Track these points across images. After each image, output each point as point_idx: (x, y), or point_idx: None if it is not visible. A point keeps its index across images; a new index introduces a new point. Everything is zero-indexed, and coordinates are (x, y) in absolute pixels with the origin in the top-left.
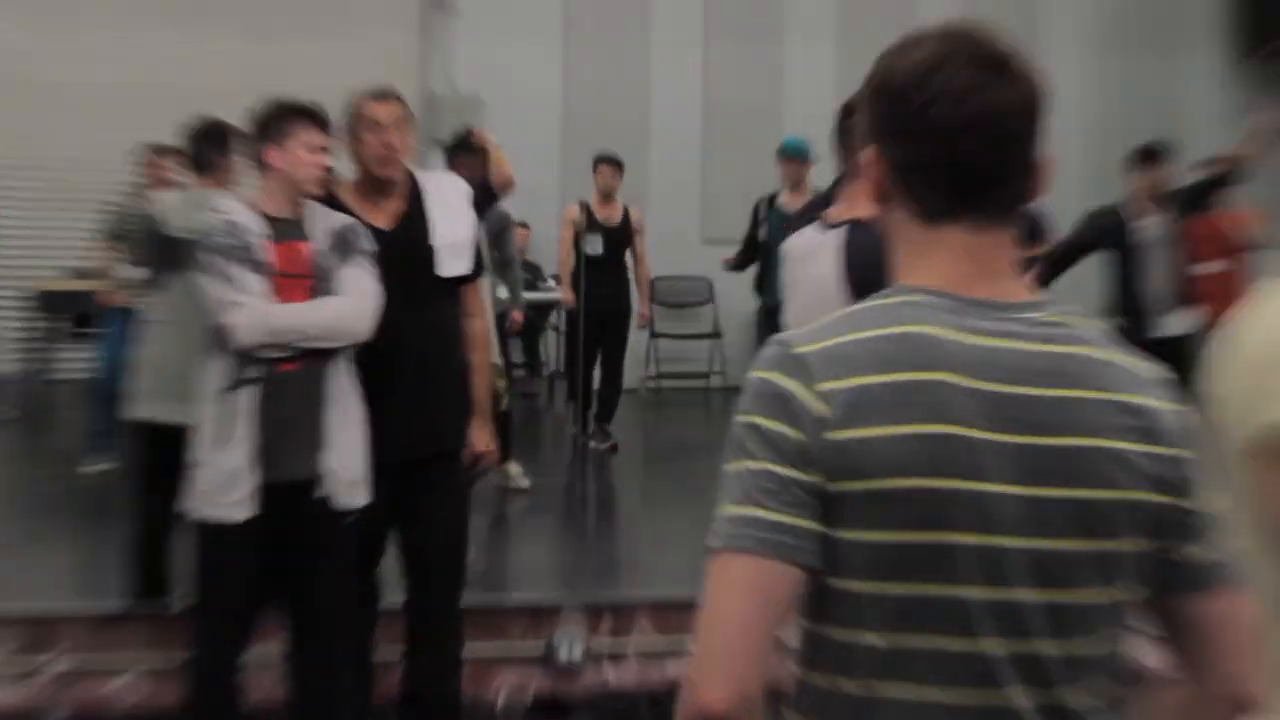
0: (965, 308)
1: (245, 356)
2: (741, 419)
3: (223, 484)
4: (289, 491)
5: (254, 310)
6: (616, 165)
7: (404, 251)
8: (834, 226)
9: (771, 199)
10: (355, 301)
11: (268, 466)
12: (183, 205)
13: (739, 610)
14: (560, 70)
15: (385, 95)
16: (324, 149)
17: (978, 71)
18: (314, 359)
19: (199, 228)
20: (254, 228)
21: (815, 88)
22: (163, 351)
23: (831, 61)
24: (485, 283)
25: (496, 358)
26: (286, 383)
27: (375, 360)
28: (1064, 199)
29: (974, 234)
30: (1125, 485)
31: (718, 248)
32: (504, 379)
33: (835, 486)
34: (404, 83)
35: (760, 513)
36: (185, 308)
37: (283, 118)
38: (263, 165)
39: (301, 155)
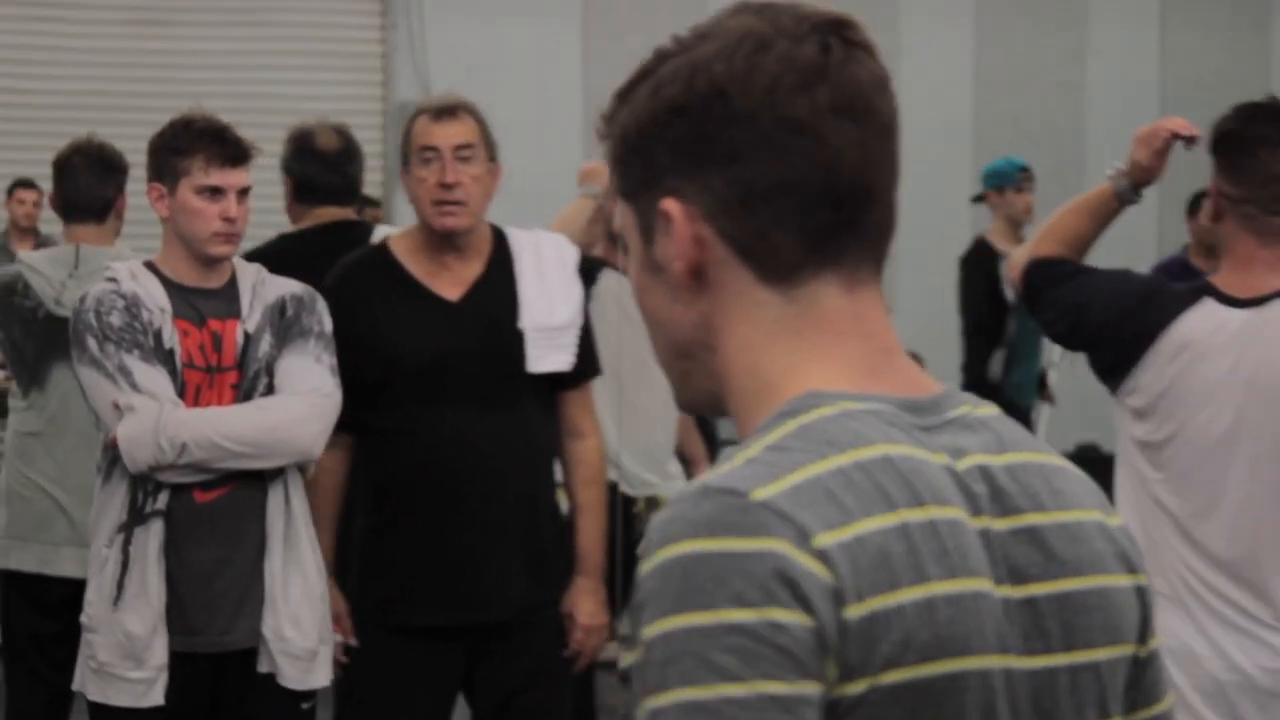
0: (901, 414)
1: (145, 482)
2: (687, 620)
3: (123, 656)
4: (217, 666)
5: (143, 418)
6: None
7: (476, 333)
8: (1257, 300)
9: (985, 246)
10: (298, 404)
11: (184, 631)
12: (50, 266)
13: None
14: (579, 58)
15: (446, 110)
16: (235, 192)
17: (820, 43)
18: (244, 484)
19: (77, 300)
20: (157, 301)
21: (945, 74)
22: (31, 477)
23: (968, 44)
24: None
25: None
26: (205, 517)
27: (428, 482)
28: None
29: (849, 293)
30: (1127, 636)
31: None
32: None
33: (847, 690)
34: (359, 87)
35: None
36: (65, 414)
37: (174, 147)
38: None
39: (194, 203)
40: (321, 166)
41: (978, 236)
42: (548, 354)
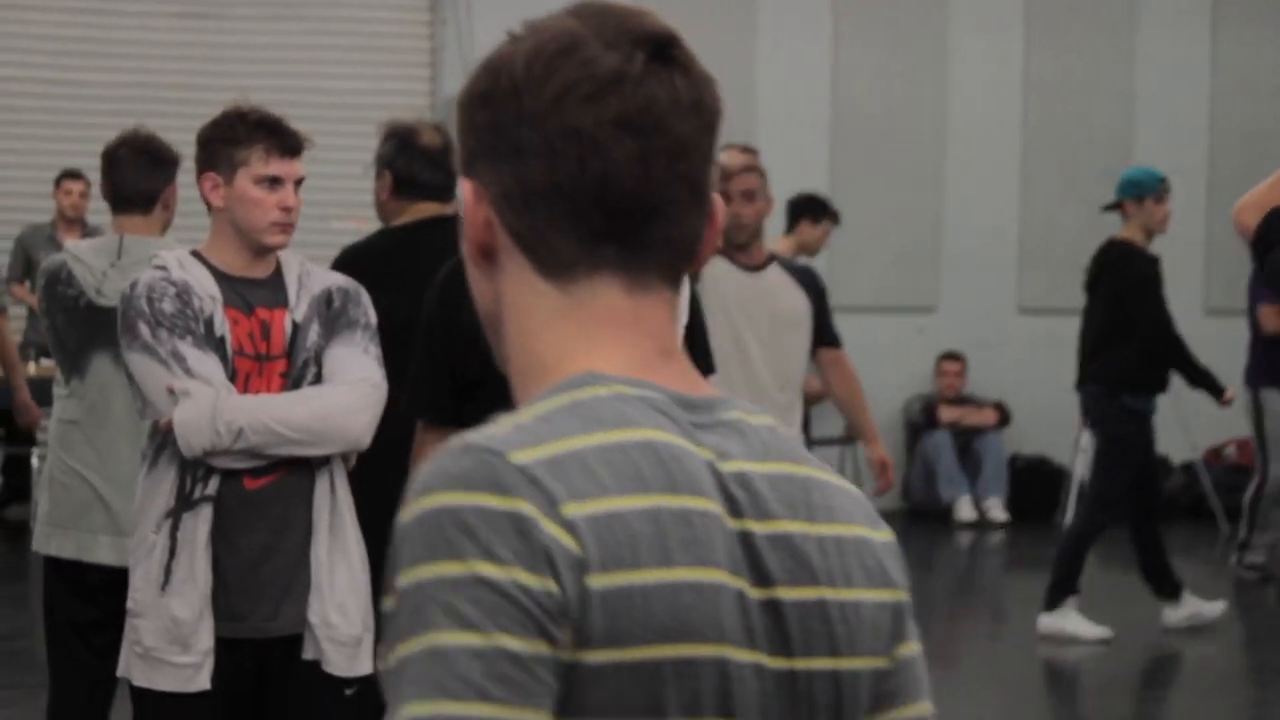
0: (674, 407)
1: (195, 467)
2: (437, 569)
3: (168, 641)
4: (262, 652)
5: (200, 402)
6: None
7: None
8: None
9: (1142, 251)
10: (349, 393)
11: (230, 617)
12: (93, 256)
13: None
14: None
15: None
16: (291, 182)
17: (627, 54)
18: (292, 471)
19: (125, 288)
20: (207, 289)
21: (995, 80)
22: (71, 465)
23: (1018, 50)
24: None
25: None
26: (254, 504)
27: None
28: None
29: (630, 295)
30: (871, 649)
31: (852, 317)
32: None
33: (583, 657)
34: (408, 81)
35: (494, 711)
36: (104, 404)
37: (230, 138)
38: (209, 203)
39: (253, 193)
40: (425, 163)
41: (1121, 241)
42: None
